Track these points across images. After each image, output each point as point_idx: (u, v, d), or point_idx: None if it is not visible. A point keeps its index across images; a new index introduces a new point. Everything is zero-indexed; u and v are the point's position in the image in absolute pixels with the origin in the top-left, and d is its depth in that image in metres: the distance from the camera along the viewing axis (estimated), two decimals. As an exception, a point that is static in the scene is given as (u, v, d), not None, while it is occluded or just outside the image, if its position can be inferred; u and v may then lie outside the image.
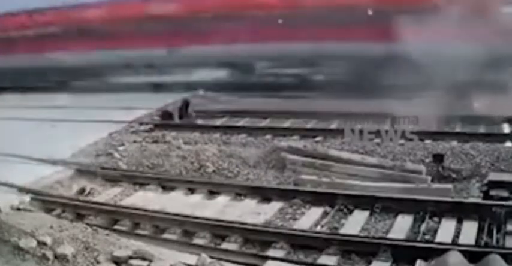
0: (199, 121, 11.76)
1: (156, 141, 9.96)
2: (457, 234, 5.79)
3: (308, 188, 7.25)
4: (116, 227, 6.50)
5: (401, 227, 6.08)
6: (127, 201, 7.41)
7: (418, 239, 5.76)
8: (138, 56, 14.96)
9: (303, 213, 6.66)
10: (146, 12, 15.09)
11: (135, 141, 10.00)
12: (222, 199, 7.30)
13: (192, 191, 7.65)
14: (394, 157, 8.23)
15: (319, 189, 7.14)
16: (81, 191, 7.80)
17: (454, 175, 7.59)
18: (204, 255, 4.96)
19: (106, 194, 7.73)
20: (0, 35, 17.02)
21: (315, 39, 12.75)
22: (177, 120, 11.77)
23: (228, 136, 10.11)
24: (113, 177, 8.23)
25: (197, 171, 8.40)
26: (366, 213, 6.49)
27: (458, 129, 9.83)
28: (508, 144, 8.64)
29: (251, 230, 6.03)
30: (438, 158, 7.85)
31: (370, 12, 12.42)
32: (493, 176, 6.90)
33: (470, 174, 7.56)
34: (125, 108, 12.45)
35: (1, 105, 13.76)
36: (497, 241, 5.50)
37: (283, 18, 13.40)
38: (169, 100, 12.96)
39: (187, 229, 6.28)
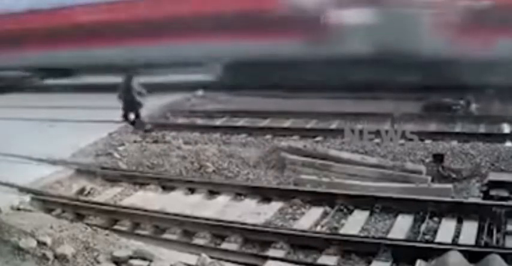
0: (199, 121, 11.75)
1: (156, 141, 9.97)
2: (457, 234, 5.79)
3: (308, 188, 7.25)
4: (116, 227, 6.50)
5: (401, 227, 6.08)
6: (127, 201, 7.41)
7: (418, 239, 5.76)
8: None
9: (303, 213, 6.65)
10: None
11: (135, 141, 10.00)
12: (222, 199, 7.30)
13: (192, 191, 7.65)
14: (394, 157, 8.24)
15: (319, 189, 7.14)
16: (81, 191, 7.81)
17: (454, 175, 7.59)
18: (204, 255, 4.98)
19: (106, 194, 7.73)
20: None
21: None
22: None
23: (228, 136, 10.12)
24: (113, 177, 8.24)
25: (197, 171, 8.40)
26: (366, 213, 6.49)
27: (458, 129, 9.84)
28: (508, 144, 8.65)
29: (251, 230, 6.03)
30: (438, 158, 7.85)
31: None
32: (493, 176, 6.90)
33: (470, 174, 7.56)
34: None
35: (1, 105, 13.74)
36: (497, 241, 5.50)
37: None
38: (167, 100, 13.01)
39: (187, 229, 6.28)
